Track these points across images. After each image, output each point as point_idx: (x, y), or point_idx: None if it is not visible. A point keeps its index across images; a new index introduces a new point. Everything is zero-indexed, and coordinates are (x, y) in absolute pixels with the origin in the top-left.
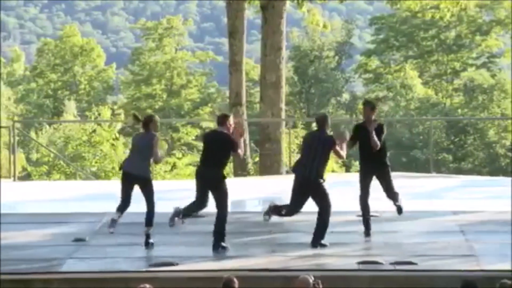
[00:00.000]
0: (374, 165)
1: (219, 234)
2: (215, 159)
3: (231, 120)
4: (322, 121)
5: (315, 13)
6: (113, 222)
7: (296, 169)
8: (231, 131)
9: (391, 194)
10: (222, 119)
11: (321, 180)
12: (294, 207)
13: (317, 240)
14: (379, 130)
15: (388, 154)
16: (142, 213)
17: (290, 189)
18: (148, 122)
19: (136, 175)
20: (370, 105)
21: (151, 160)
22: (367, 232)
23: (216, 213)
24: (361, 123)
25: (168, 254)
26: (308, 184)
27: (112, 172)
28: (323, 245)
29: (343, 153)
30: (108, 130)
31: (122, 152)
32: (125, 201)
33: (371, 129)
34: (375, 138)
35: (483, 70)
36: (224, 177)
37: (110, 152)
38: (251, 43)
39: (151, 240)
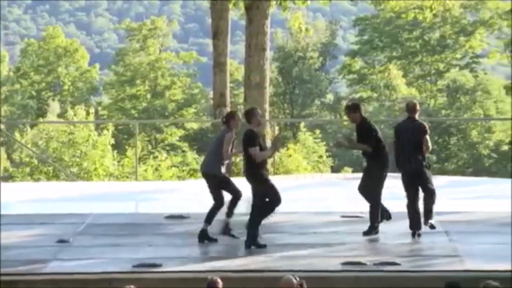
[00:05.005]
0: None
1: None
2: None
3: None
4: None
5: (297, 16)
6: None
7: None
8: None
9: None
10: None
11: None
12: None
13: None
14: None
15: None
16: (125, 214)
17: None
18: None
19: (203, 171)
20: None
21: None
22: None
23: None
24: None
25: (152, 255)
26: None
27: (95, 173)
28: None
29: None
30: (88, 130)
31: (105, 152)
32: (215, 200)
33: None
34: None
35: (466, 71)
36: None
37: (91, 153)
38: (235, 44)
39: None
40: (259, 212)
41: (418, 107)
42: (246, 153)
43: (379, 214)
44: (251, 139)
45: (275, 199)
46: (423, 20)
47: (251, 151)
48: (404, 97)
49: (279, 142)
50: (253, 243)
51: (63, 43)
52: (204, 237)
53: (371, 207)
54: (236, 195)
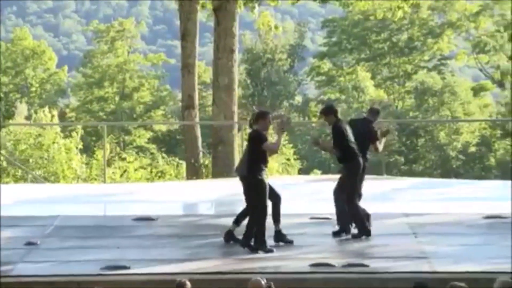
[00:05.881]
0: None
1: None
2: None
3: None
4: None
5: (266, 15)
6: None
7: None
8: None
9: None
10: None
11: None
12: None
13: None
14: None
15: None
16: (94, 216)
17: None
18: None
19: (238, 174)
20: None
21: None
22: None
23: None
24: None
25: (120, 257)
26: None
27: (62, 175)
28: None
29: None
30: (54, 133)
31: (72, 154)
32: (271, 198)
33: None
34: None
35: (434, 73)
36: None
37: (58, 155)
38: (203, 46)
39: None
40: (254, 216)
41: (379, 114)
42: (252, 152)
43: (351, 214)
44: (260, 137)
45: (263, 203)
46: (393, 19)
47: (265, 146)
48: (372, 99)
49: (281, 119)
50: (261, 247)
51: (31, 45)
52: (279, 238)
53: (347, 210)
54: (275, 199)
